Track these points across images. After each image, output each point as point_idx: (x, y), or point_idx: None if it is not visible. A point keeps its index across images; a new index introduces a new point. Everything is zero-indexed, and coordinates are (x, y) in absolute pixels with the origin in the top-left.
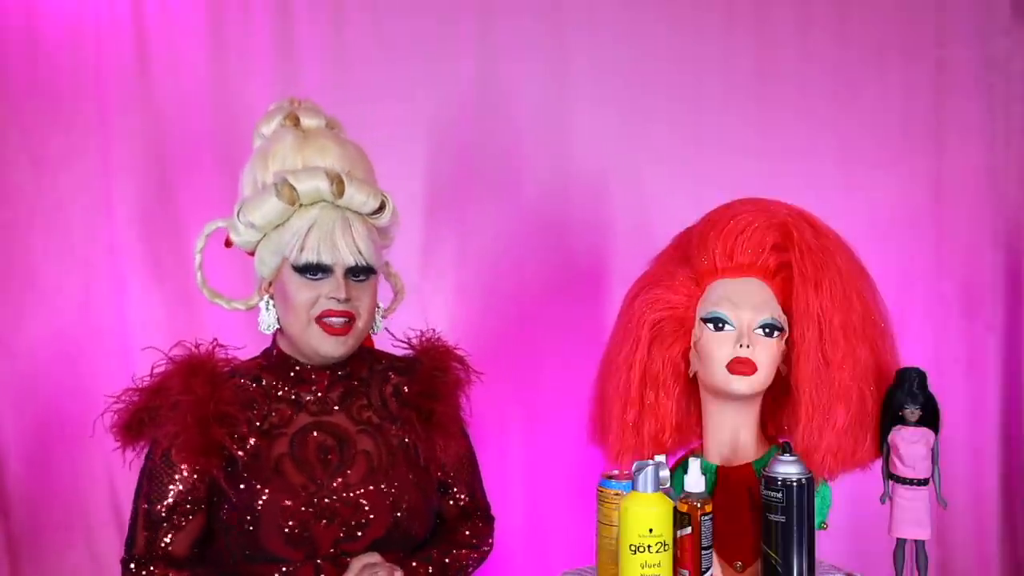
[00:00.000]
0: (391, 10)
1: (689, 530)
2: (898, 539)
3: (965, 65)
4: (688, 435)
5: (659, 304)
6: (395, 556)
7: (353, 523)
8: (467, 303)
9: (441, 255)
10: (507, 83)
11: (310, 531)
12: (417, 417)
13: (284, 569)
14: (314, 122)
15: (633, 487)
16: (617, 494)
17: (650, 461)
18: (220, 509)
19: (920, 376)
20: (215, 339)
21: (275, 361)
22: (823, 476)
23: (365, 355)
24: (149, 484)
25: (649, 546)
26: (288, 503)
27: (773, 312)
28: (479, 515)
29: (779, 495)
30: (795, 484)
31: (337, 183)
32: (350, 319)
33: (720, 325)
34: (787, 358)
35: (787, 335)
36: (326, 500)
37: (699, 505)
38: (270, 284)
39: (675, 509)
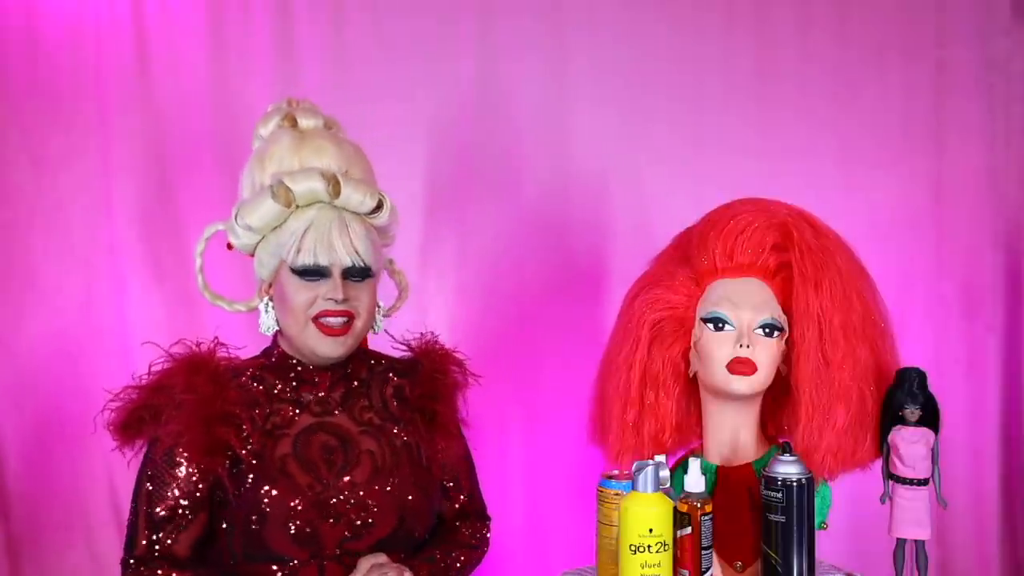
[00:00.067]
0: (391, 10)
1: (689, 530)
2: (898, 539)
3: (965, 65)
4: (688, 435)
5: (659, 304)
6: (397, 556)
7: (359, 523)
8: (467, 303)
9: (441, 255)
10: (507, 83)
11: (317, 531)
12: (421, 418)
13: (288, 569)
14: (311, 122)
15: (633, 487)
16: (617, 494)
17: (650, 461)
18: (224, 509)
19: (920, 376)
20: (216, 337)
21: (276, 361)
22: (823, 476)
23: (364, 356)
24: (151, 484)
25: (649, 546)
26: (295, 503)
27: (773, 312)
28: (477, 515)
29: (779, 495)
30: (795, 484)
31: (333, 183)
32: (349, 319)
33: (720, 325)
34: (787, 358)
35: (787, 335)
36: (333, 500)
37: (699, 505)
38: (269, 286)
39: (675, 509)
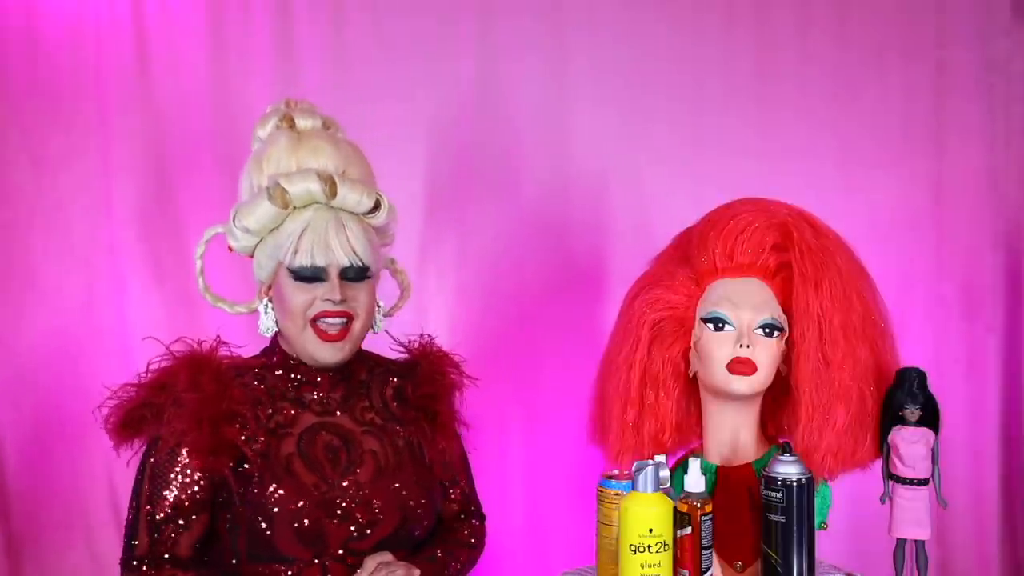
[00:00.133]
0: (391, 10)
1: (689, 530)
2: (898, 539)
3: (965, 66)
4: (688, 435)
5: (659, 304)
6: (398, 555)
7: (364, 522)
8: (467, 303)
9: (441, 255)
10: (507, 83)
11: (322, 530)
12: (424, 418)
13: (291, 569)
14: (309, 123)
15: (633, 487)
16: (617, 494)
17: (650, 461)
18: (227, 509)
19: (920, 376)
20: (219, 336)
21: (276, 361)
22: (823, 476)
23: (363, 358)
24: (152, 483)
25: (649, 546)
26: (302, 502)
27: (773, 312)
28: (474, 515)
29: (779, 495)
30: (795, 484)
31: (329, 184)
32: (347, 320)
33: (720, 325)
34: (787, 358)
35: (787, 335)
36: (338, 499)
37: (699, 505)
38: (269, 287)
39: (675, 509)
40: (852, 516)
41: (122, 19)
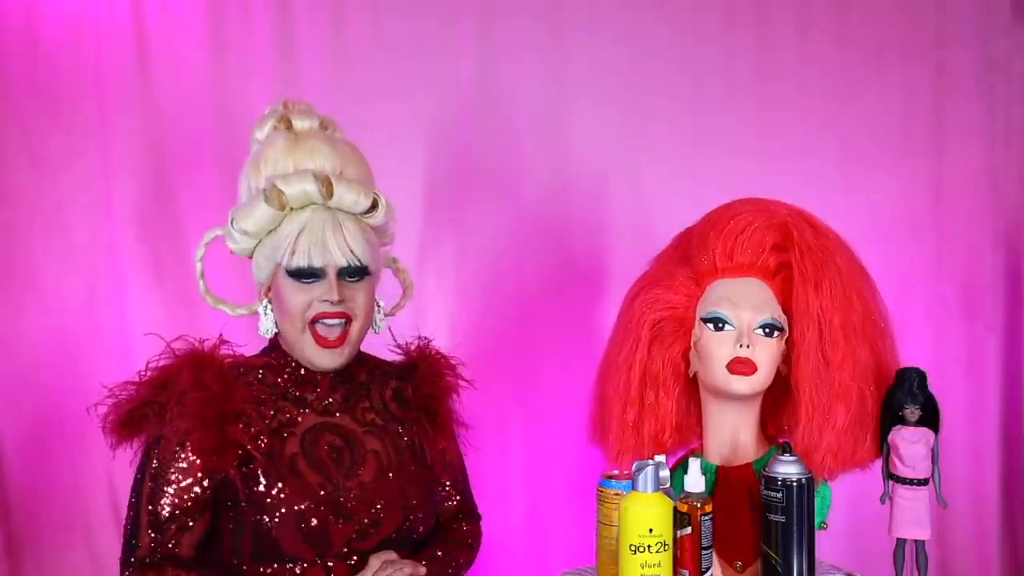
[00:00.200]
0: (391, 10)
1: (689, 530)
2: (898, 539)
3: (965, 66)
4: (688, 435)
5: (659, 304)
6: (400, 555)
7: (367, 522)
8: (467, 303)
9: (441, 255)
10: (507, 83)
11: (327, 530)
12: (426, 417)
13: (294, 569)
14: (306, 124)
15: (633, 487)
16: (617, 494)
17: (650, 461)
18: (231, 509)
19: (920, 376)
20: (221, 334)
21: (278, 361)
22: (823, 476)
23: (362, 359)
24: (155, 482)
25: (649, 546)
26: (308, 502)
27: (773, 312)
28: (470, 515)
29: (779, 495)
30: (795, 484)
31: (326, 184)
32: (346, 321)
33: (720, 325)
34: (787, 358)
35: (787, 335)
36: (342, 499)
37: (699, 505)
38: (268, 289)
39: (675, 509)
40: (852, 516)
41: (122, 19)
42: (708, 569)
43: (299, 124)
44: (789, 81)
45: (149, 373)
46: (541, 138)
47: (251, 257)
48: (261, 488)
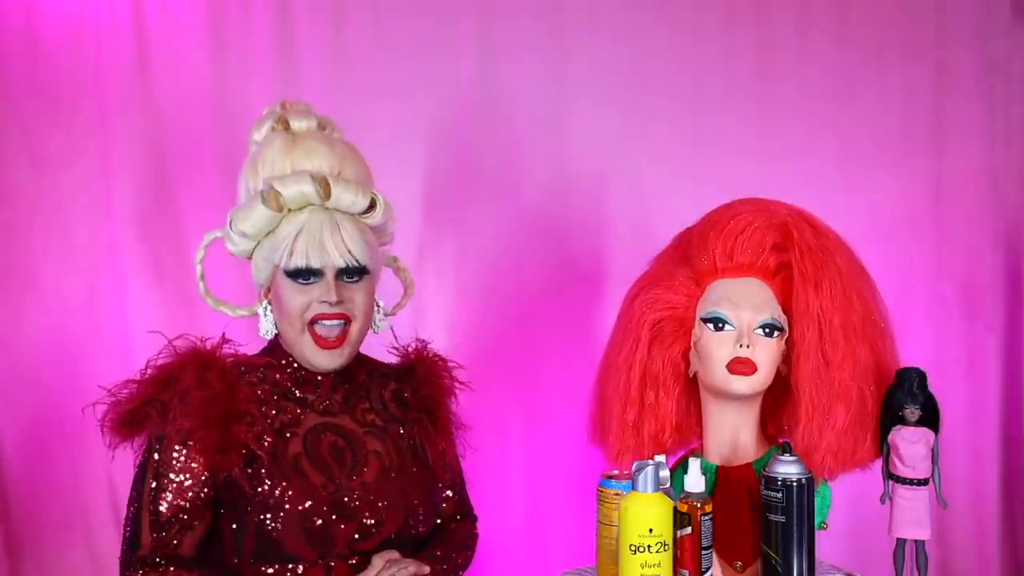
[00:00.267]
0: (391, 10)
1: (689, 530)
2: (898, 539)
3: (965, 66)
4: (688, 435)
5: (659, 304)
6: (401, 555)
7: (370, 522)
8: (467, 303)
9: (441, 255)
10: (507, 83)
11: (330, 530)
12: (427, 418)
13: (296, 569)
14: (304, 124)
15: (633, 487)
16: (617, 494)
17: (650, 461)
18: (234, 508)
19: (920, 376)
20: (224, 333)
21: (279, 361)
22: (823, 476)
23: (362, 360)
24: (156, 481)
25: (649, 546)
26: (312, 502)
27: (773, 312)
28: (466, 516)
29: (779, 495)
30: (795, 484)
31: (323, 185)
32: (345, 322)
33: (720, 325)
34: (787, 358)
35: (787, 335)
36: (345, 499)
37: (699, 505)
38: (268, 290)
39: (675, 509)
40: (852, 516)
41: (122, 19)
42: (708, 569)
43: (297, 125)
44: (789, 81)
45: (150, 371)
46: (541, 138)
47: (250, 258)
48: (264, 488)
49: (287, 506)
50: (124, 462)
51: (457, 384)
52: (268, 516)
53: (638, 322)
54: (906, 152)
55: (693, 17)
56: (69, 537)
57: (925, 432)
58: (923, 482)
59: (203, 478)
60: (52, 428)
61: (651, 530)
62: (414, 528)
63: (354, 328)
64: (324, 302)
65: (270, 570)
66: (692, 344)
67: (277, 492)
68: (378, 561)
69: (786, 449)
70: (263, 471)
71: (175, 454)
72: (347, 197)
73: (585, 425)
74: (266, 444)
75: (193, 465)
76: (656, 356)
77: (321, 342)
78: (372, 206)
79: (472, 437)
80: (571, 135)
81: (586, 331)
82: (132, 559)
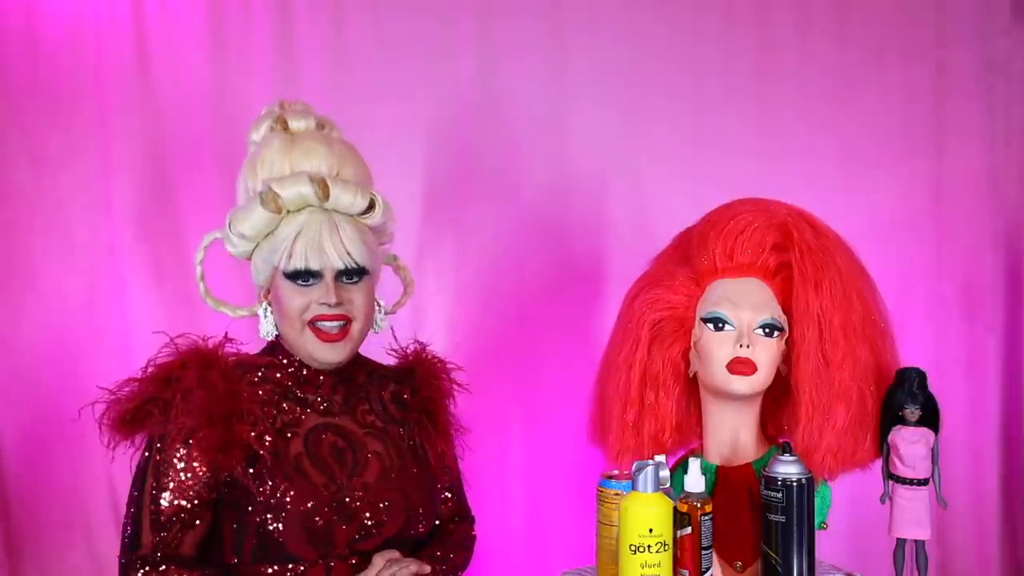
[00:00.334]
0: (391, 10)
1: (689, 530)
2: (898, 539)
3: (965, 66)
4: (688, 435)
5: (659, 304)
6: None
7: (370, 523)
8: (467, 303)
9: (440, 255)
10: (507, 83)
11: (332, 531)
12: (427, 419)
13: (296, 569)
14: (302, 124)
15: (633, 487)
16: (617, 494)
17: (650, 461)
18: (236, 508)
19: (920, 376)
20: (227, 332)
21: (280, 361)
22: (823, 476)
23: (362, 362)
24: (158, 481)
25: (649, 546)
26: (314, 503)
27: (773, 312)
28: (464, 517)
29: (779, 495)
30: (795, 484)
31: (322, 186)
32: (345, 322)
33: (720, 325)
34: (787, 358)
35: (787, 335)
36: (347, 500)
37: (699, 505)
38: (267, 291)
39: (675, 509)
40: (852, 516)
41: (122, 19)
42: (708, 569)
43: (295, 124)
44: (789, 81)
45: (152, 369)
46: (541, 138)
47: (250, 259)
48: (266, 488)
49: (289, 506)
50: (124, 462)
51: (456, 386)
52: (269, 516)
53: (638, 322)
54: (906, 152)
55: (693, 17)
56: (69, 537)
57: (925, 432)
58: (923, 482)
59: (204, 477)
60: (52, 428)
61: (651, 530)
62: (414, 529)
63: (355, 327)
64: (324, 304)
65: (270, 570)
66: (692, 344)
67: (279, 492)
68: (379, 560)
69: (786, 449)
70: (265, 471)
71: (177, 453)
72: (346, 198)
73: (585, 425)
74: (267, 444)
75: (195, 464)
76: (656, 356)
77: (322, 335)
78: (371, 207)
79: (472, 437)
80: (571, 135)
81: (586, 331)
82: (132, 558)
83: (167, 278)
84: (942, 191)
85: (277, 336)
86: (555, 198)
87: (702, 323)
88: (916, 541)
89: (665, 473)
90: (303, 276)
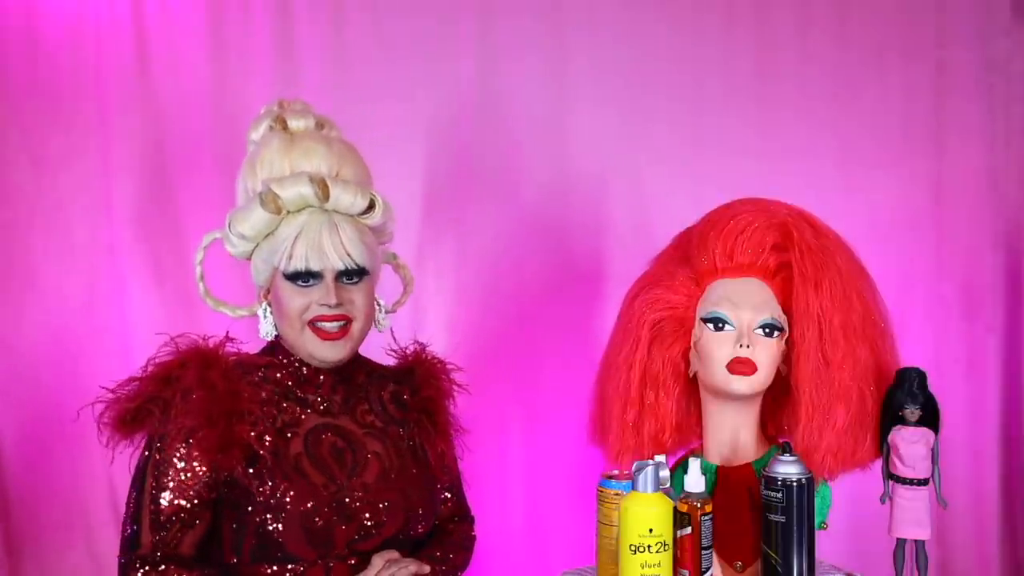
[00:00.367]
0: (391, 10)
1: (689, 530)
2: (898, 539)
3: (965, 66)
4: (688, 435)
5: (659, 304)
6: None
7: (370, 523)
8: (467, 303)
9: (440, 255)
10: (507, 83)
11: (331, 531)
12: (427, 419)
13: (295, 569)
14: (301, 123)
15: (633, 487)
16: (617, 494)
17: (650, 461)
18: (236, 508)
19: (920, 376)
20: (228, 332)
21: (280, 360)
22: (823, 476)
23: (361, 362)
24: (158, 480)
25: (649, 546)
26: (313, 503)
27: (773, 312)
28: (463, 517)
29: (779, 495)
30: (795, 484)
31: (321, 187)
32: (346, 322)
33: (720, 325)
34: (787, 358)
35: (787, 335)
36: (346, 500)
37: (699, 505)
38: (267, 292)
39: (675, 509)
40: (852, 516)
41: (122, 19)
42: (708, 569)
43: (294, 124)
44: (789, 81)
45: (152, 369)
46: (541, 138)
47: (249, 260)
48: (266, 488)
49: (288, 506)
50: (124, 462)
51: (456, 386)
52: (269, 516)
53: (638, 322)
54: (906, 152)
55: (693, 17)
56: (69, 537)
57: (925, 432)
58: (923, 482)
59: (204, 477)
60: (52, 428)
61: (651, 530)
62: (413, 529)
63: (355, 327)
64: (324, 304)
65: (270, 570)
66: (692, 344)
67: (278, 492)
68: (378, 560)
69: (786, 449)
70: (264, 471)
71: (177, 453)
72: (346, 198)
73: (585, 425)
74: (267, 444)
75: (195, 464)
76: (656, 356)
77: (323, 334)
78: (371, 207)
79: (472, 437)
80: (571, 135)
81: (586, 331)
82: (132, 558)
83: (167, 278)
84: (942, 191)
85: (277, 336)
86: (555, 198)
87: (702, 323)
88: (916, 541)
89: (665, 473)
90: (303, 277)
